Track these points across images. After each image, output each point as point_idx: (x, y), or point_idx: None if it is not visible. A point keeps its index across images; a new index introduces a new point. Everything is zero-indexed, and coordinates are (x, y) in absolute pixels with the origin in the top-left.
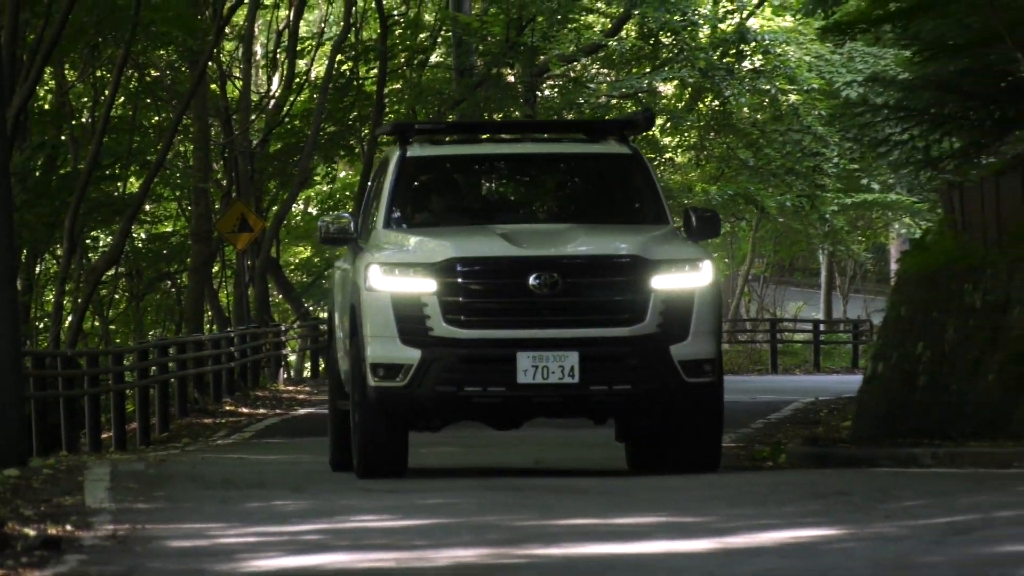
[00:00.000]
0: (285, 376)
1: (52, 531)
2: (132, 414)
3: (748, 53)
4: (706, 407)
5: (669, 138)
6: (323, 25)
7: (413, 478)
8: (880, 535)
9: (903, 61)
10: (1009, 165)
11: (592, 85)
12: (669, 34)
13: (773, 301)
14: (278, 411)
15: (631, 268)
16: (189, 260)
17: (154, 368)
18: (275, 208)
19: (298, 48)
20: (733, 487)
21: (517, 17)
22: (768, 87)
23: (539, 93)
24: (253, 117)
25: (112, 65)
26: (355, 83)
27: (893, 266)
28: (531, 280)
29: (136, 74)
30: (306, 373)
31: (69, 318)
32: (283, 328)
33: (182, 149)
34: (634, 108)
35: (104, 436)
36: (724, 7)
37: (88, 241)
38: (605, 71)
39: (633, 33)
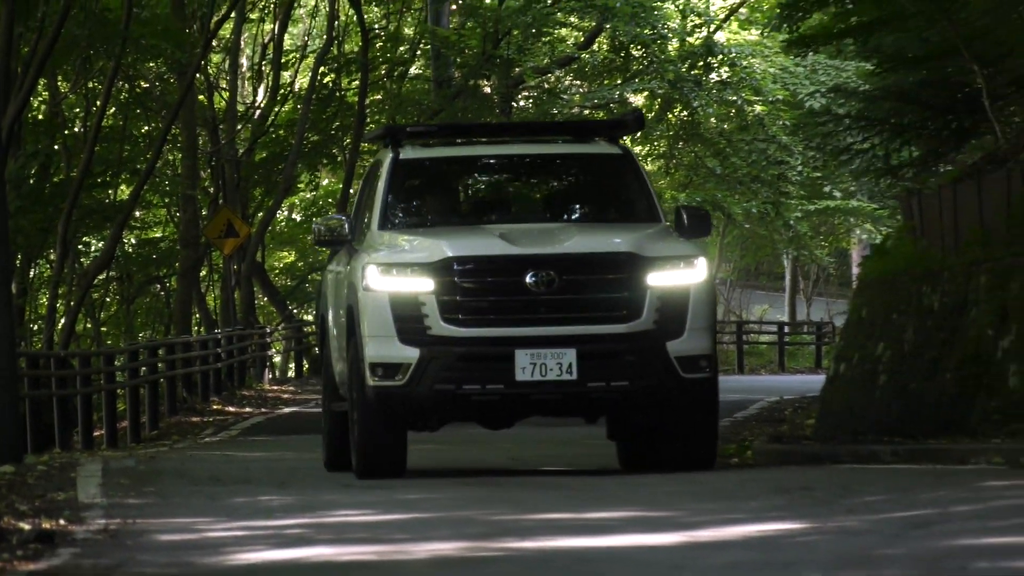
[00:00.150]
0: (270, 376)
1: (46, 525)
2: (123, 413)
3: (715, 65)
4: (702, 403)
5: (639, 147)
6: (306, 38)
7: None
8: (842, 529)
9: (864, 73)
10: (966, 173)
11: (565, 96)
12: (639, 47)
13: (740, 304)
14: (263, 410)
15: (627, 265)
16: (177, 264)
17: (144, 368)
18: (260, 214)
19: (282, 60)
20: (700, 483)
21: (493, 31)
22: (735, 98)
23: (514, 104)
24: (239, 127)
25: (103, 77)
26: (337, 94)
27: (855, 270)
28: (528, 278)
29: (126, 85)
30: (290, 373)
31: (62, 320)
32: (268, 330)
33: (171, 158)
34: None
35: (96, 434)
36: (692, 21)
37: (80, 246)
38: (578, 82)
39: (605, 46)
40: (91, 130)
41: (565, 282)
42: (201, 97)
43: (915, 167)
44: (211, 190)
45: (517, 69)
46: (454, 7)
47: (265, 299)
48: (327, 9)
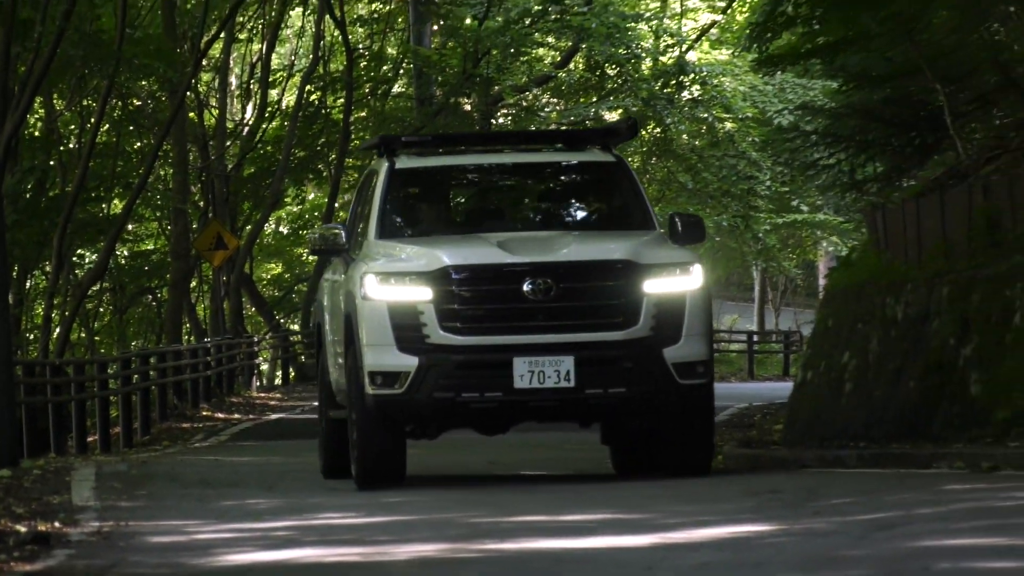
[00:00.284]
0: (258, 383)
1: (42, 527)
2: (116, 419)
3: (687, 84)
4: (699, 409)
5: None
6: (293, 58)
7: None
8: (809, 531)
9: (830, 91)
10: (928, 188)
11: (543, 113)
12: (614, 66)
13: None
14: (251, 416)
15: (623, 272)
16: (169, 276)
17: (136, 376)
18: (249, 227)
19: (270, 79)
20: (673, 486)
21: (473, 50)
22: (706, 115)
23: (494, 121)
24: (228, 143)
25: (97, 95)
26: (323, 112)
27: (821, 281)
28: (525, 286)
29: (120, 103)
30: (277, 381)
31: (57, 330)
32: (256, 339)
33: (162, 173)
34: None
35: (90, 439)
36: (665, 42)
37: (75, 258)
38: (555, 100)
39: (581, 65)
40: (85, 146)
41: (562, 290)
42: (192, 114)
43: (879, 182)
44: (201, 204)
45: (496, 87)
46: (436, 28)
47: (253, 309)
48: (313, 30)
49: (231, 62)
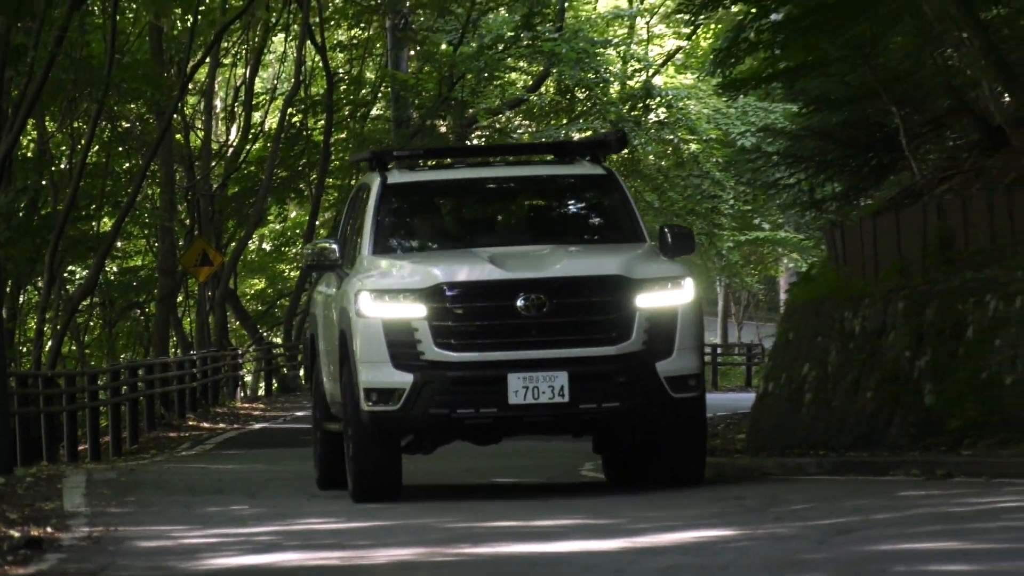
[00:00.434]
0: (242, 394)
1: (34, 532)
2: (105, 428)
3: (654, 107)
4: (691, 421)
5: None
6: (276, 82)
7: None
8: (771, 535)
9: (790, 114)
10: (884, 207)
11: (515, 135)
12: (584, 90)
13: None
14: (236, 426)
15: (616, 287)
16: (156, 291)
17: (125, 387)
18: (233, 244)
19: (253, 102)
20: (640, 493)
21: (448, 75)
22: (671, 137)
23: (468, 142)
24: (213, 163)
25: (87, 117)
26: (304, 133)
27: (782, 296)
28: (519, 302)
29: (109, 125)
30: (260, 392)
31: (49, 343)
32: (240, 352)
33: (150, 192)
34: None
35: (80, 448)
36: (632, 66)
37: (66, 274)
38: (527, 122)
39: (552, 89)
40: (76, 166)
41: (556, 305)
42: (178, 136)
43: (838, 201)
44: (187, 222)
45: (470, 110)
46: (412, 53)
47: (237, 323)
48: (295, 55)
49: (216, 86)
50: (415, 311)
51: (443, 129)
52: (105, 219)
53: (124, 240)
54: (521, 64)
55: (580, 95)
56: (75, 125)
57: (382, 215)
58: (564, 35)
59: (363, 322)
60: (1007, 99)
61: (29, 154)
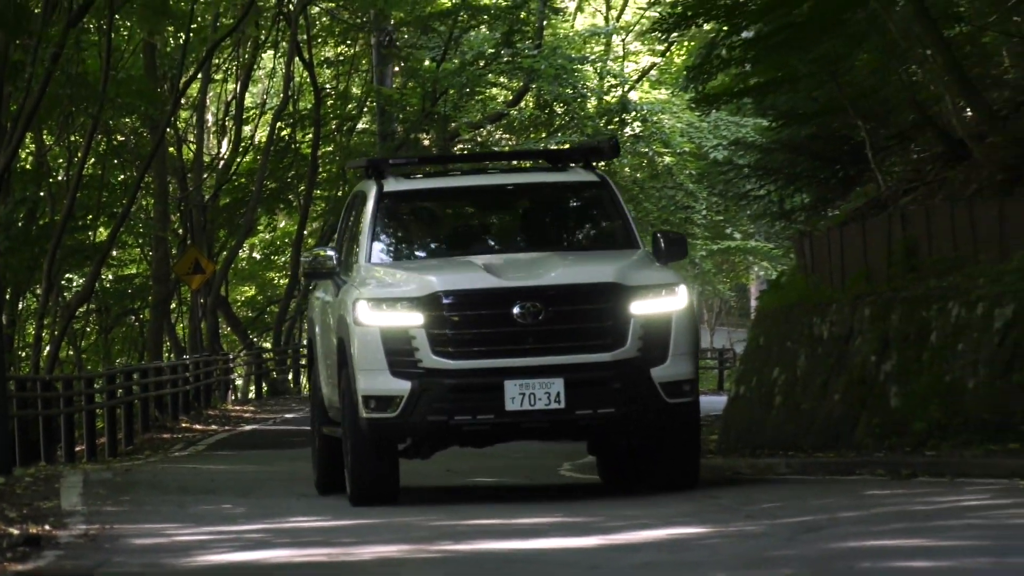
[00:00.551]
0: (233, 397)
1: (33, 530)
2: (102, 430)
3: (629, 121)
4: (686, 425)
5: None
6: (265, 96)
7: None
8: (742, 533)
9: (761, 128)
10: (851, 217)
11: (496, 148)
12: (562, 104)
13: None
14: (227, 427)
15: (611, 295)
16: (150, 298)
17: (120, 391)
18: (224, 253)
19: (244, 116)
20: (616, 492)
21: (432, 90)
22: (646, 150)
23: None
24: (205, 175)
25: (84, 131)
26: (293, 146)
27: (753, 303)
28: (515, 310)
29: (104, 138)
30: (251, 395)
31: (47, 348)
32: (231, 356)
33: (144, 203)
34: None
35: (77, 449)
36: (609, 82)
37: (63, 282)
38: (507, 136)
39: (531, 103)
40: (73, 178)
41: (551, 313)
42: (171, 149)
43: (806, 211)
44: (180, 232)
45: (453, 124)
46: (397, 69)
47: (228, 329)
48: (283, 71)
49: (207, 101)
50: (412, 319)
51: (426, 142)
52: (101, 229)
53: (119, 249)
54: (502, 80)
55: (558, 109)
56: (72, 138)
57: (379, 223)
58: (543, 52)
59: (361, 330)
60: (969, 114)
61: (27, 166)
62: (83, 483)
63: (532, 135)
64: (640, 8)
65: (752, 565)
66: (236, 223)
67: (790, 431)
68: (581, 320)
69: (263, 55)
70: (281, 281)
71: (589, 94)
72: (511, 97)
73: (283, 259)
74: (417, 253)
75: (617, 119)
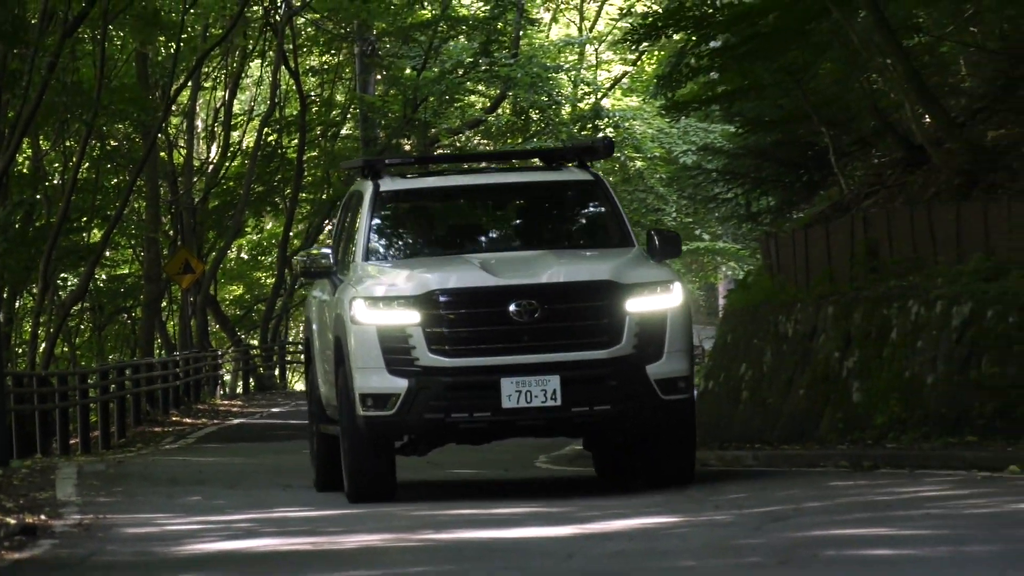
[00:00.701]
0: (221, 392)
1: (29, 520)
2: (95, 424)
3: (602, 127)
4: (681, 422)
5: None
6: (253, 104)
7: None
8: (711, 522)
9: (728, 134)
10: (815, 219)
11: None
12: (537, 111)
13: None
14: (215, 421)
15: (607, 292)
16: (142, 297)
17: (113, 386)
18: (213, 254)
19: (232, 122)
20: (590, 483)
21: (413, 97)
22: (618, 155)
23: None
24: (195, 179)
25: (79, 136)
26: (279, 151)
27: (721, 302)
28: (511, 308)
29: (98, 144)
30: (239, 390)
31: (43, 344)
32: (219, 353)
33: (136, 206)
34: None
35: (72, 442)
36: (582, 90)
37: (59, 281)
38: (486, 142)
39: (508, 110)
40: (68, 182)
41: (547, 311)
42: (162, 154)
43: (772, 214)
44: (171, 233)
45: (433, 130)
46: (379, 77)
47: (217, 326)
48: (270, 79)
49: (197, 107)
50: (409, 317)
51: (408, 147)
52: (95, 230)
53: (112, 250)
54: (479, 87)
55: (534, 116)
56: (67, 144)
57: (375, 222)
58: (519, 61)
59: (358, 329)
60: (928, 120)
61: (24, 171)
62: (77, 475)
63: (509, 140)
64: (612, 19)
65: (721, 553)
66: (224, 225)
67: (757, 425)
68: (577, 318)
69: (251, 64)
70: (268, 280)
71: (563, 101)
72: (489, 104)
73: (270, 259)
74: (413, 252)
75: (590, 125)
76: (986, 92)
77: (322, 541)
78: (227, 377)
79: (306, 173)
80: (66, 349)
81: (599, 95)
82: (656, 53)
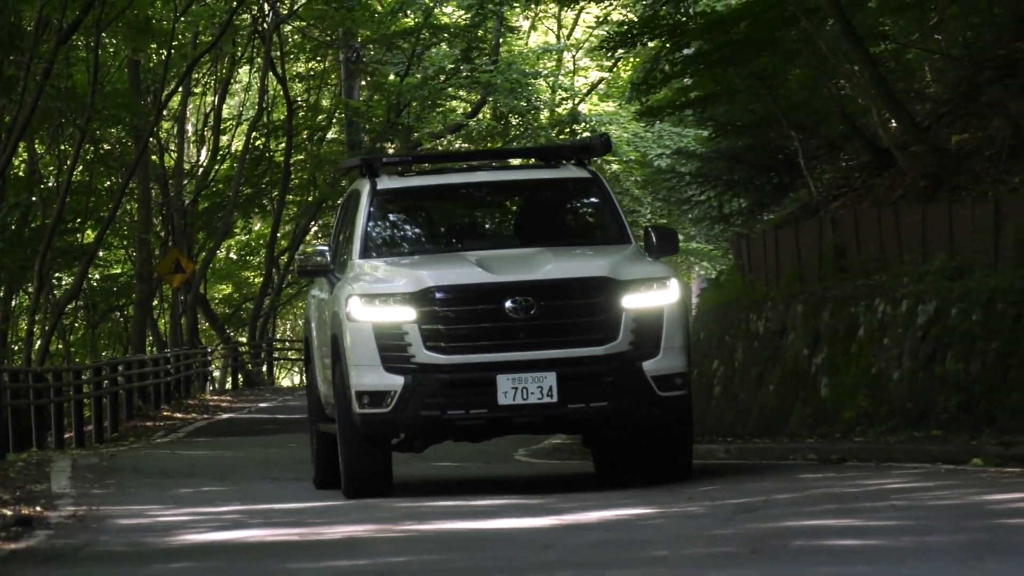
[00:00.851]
0: (211, 388)
1: (25, 512)
2: (89, 419)
3: (579, 131)
4: (678, 418)
5: None
6: (241, 108)
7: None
8: (685, 514)
9: (701, 138)
10: (785, 221)
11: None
12: (517, 116)
13: None
14: (205, 416)
15: (603, 289)
16: (134, 296)
17: (106, 382)
18: (203, 254)
19: (221, 127)
20: (568, 476)
21: (396, 102)
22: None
23: None
24: (185, 182)
25: (73, 140)
26: (267, 155)
27: (694, 300)
28: (507, 305)
29: (92, 147)
30: (228, 386)
31: (38, 342)
32: (209, 350)
33: (129, 207)
34: None
35: (66, 436)
36: (560, 95)
37: (54, 280)
38: (467, 145)
39: (488, 115)
40: (63, 185)
41: (543, 308)
42: (154, 157)
43: (743, 216)
44: (162, 234)
45: (416, 134)
46: (364, 83)
47: (207, 324)
48: (258, 85)
49: (188, 112)
50: (405, 315)
51: (391, 151)
52: (89, 232)
53: (106, 250)
54: (461, 93)
55: (514, 121)
56: (62, 147)
57: (372, 220)
58: (499, 67)
59: (354, 326)
60: (894, 124)
61: (21, 173)
62: (72, 468)
63: (489, 144)
64: (589, 27)
65: (694, 543)
66: (214, 226)
67: (728, 419)
68: (573, 314)
69: (239, 70)
70: (256, 280)
71: (542, 106)
72: (470, 109)
73: (258, 259)
74: (410, 250)
75: (568, 129)
76: (950, 97)
77: (308, 532)
78: (216, 373)
79: (293, 176)
80: (61, 346)
81: (576, 100)
82: (631, 60)
